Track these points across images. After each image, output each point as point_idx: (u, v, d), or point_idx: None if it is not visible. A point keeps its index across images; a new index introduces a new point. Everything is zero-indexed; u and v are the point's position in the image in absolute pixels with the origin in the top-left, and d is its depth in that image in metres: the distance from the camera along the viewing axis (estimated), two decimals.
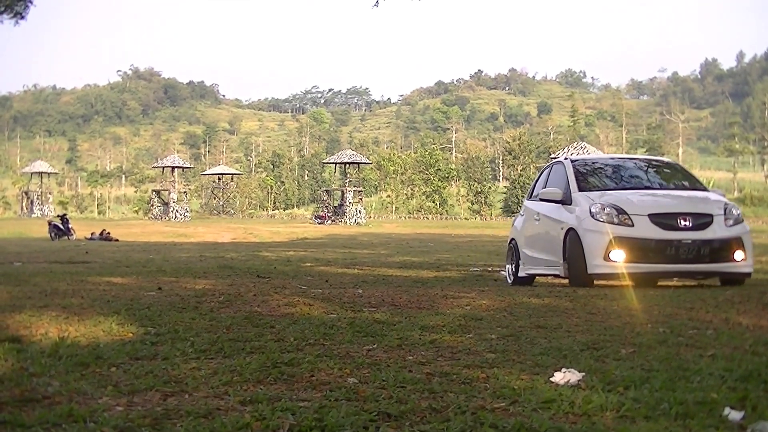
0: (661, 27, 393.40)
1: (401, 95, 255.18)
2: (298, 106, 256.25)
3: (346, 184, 71.31)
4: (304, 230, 48.11)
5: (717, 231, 10.62)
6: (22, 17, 29.67)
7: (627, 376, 4.33)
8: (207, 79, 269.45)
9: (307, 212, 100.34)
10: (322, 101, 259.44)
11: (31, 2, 29.17)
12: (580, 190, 11.72)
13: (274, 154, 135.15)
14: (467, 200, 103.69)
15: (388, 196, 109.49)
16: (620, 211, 10.74)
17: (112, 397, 3.77)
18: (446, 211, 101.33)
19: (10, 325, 6.01)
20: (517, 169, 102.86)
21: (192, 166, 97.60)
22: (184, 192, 76.46)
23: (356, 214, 67.70)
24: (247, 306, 7.45)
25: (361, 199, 71.35)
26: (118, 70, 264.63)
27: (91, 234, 33.25)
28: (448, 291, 9.27)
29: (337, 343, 5.39)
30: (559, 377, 4.26)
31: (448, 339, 5.67)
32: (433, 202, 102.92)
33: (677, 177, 12.46)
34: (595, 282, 10.77)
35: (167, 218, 69.02)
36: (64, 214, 36.75)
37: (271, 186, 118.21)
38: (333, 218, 67.07)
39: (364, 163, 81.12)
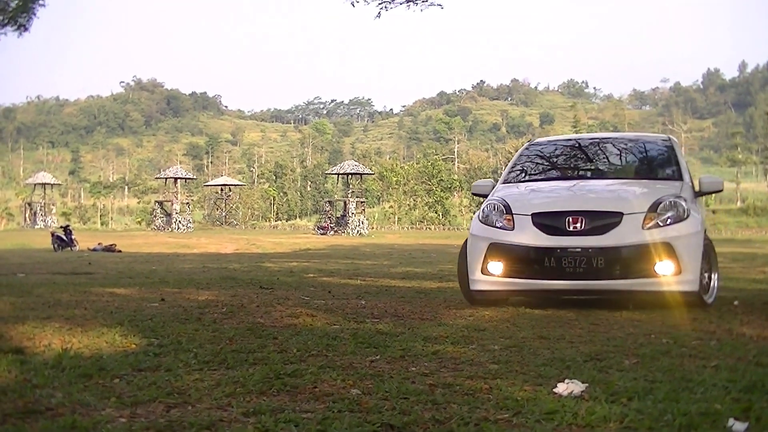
0: (664, 37, 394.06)
1: (404, 106, 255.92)
2: (300, 116, 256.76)
3: (349, 195, 71.41)
4: (307, 241, 48.09)
5: (624, 235, 8.26)
6: (26, 29, 29.71)
7: (630, 387, 4.32)
8: (210, 90, 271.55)
9: (309, 223, 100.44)
10: (325, 112, 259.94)
11: (35, 14, 29.21)
12: (505, 181, 10.05)
13: (276, 165, 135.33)
14: (470, 211, 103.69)
15: (391, 206, 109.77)
16: (505, 210, 8.78)
17: (115, 409, 3.77)
18: (449, 221, 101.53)
19: (14, 336, 6.01)
20: None
21: (195, 177, 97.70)
22: (187, 203, 76.50)
23: (359, 225, 67.75)
24: (250, 317, 7.45)
25: (363, 209, 71.33)
26: (121, 82, 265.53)
27: (98, 244, 33.25)
28: (451, 302, 9.26)
29: (340, 354, 5.38)
30: (562, 388, 4.25)
31: (451, 350, 5.66)
32: (436, 212, 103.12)
33: (648, 163, 10.23)
34: (488, 299, 8.82)
35: (170, 229, 69.10)
36: (67, 225, 36.74)
37: (274, 197, 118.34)
38: (335, 229, 67.11)
39: (367, 173, 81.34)
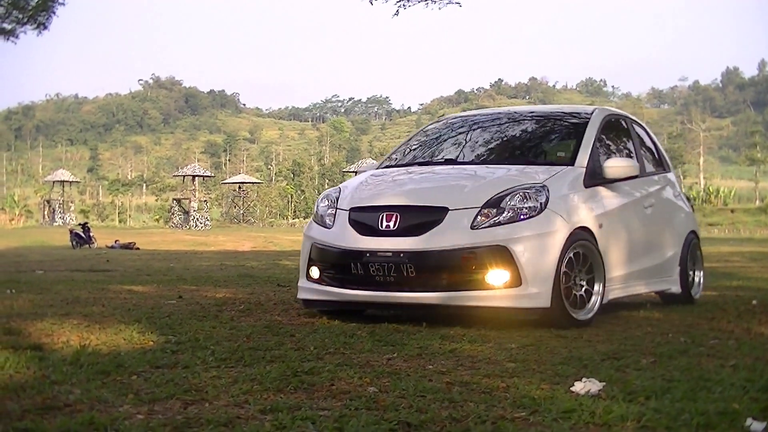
0: (682, 36, 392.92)
1: (421, 104, 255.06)
2: (318, 115, 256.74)
3: None
4: None
5: (444, 236, 6.77)
6: (45, 27, 29.87)
7: (648, 386, 4.31)
8: (228, 88, 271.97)
9: None
10: (343, 110, 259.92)
11: (54, 12, 29.37)
12: (380, 165, 8.74)
13: (294, 162, 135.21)
14: None
15: None
16: (333, 204, 7.61)
17: (133, 406, 3.78)
18: None
19: (32, 333, 6.04)
20: None
21: (212, 174, 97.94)
22: (205, 201, 76.61)
23: None
24: (267, 315, 7.47)
25: None
26: (140, 80, 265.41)
27: (115, 242, 33.34)
28: None
29: (357, 352, 5.39)
30: (579, 387, 4.24)
31: (468, 348, 5.66)
32: None
33: (545, 143, 8.63)
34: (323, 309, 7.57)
35: (188, 227, 69.25)
36: (86, 223, 36.87)
37: (292, 195, 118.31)
38: None
39: None
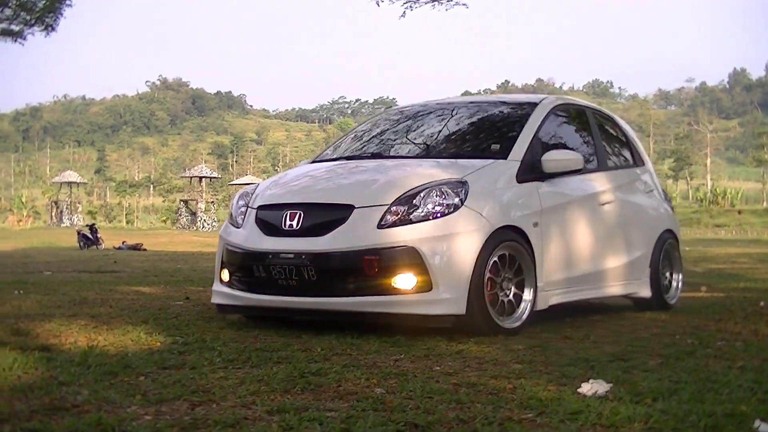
0: (689, 37, 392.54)
1: None
2: (325, 116, 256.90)
3: None
4: None
5: (347, 236, 6.24)
6: (53, 29, 29.95)
7: (655, 387, 4.31)
8: (235, 89, 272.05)
9: None
10: (349, 111, 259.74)
11: (62, 14, 29.45)
12: (311, 161, 8.27)
13: None
14: None
15: None
16: (248, 202, 7.13)
17: (140, 406, 3.79)
18: None
19: (40, 333, 6.05)
20: None
21: (219, 176, 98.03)
22: (212, 202, 76.74)
23: None
24: None
25: None
26: (147, 81, 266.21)
27: (123, 243, 33.37)
28: None
29: (364, 353, 5.39)
30: (586, 388, 4.24)
31: (475, 349, 5.66)
32: None
33: (481, 136, 7.77)
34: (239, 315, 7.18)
35: (195, 228, 69.34)
36: (93, 224, 36.92)
37: None
38: None
39: None
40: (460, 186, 6.46)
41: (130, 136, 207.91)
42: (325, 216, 6.42)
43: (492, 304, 6.39)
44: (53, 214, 77.82)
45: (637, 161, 9.10)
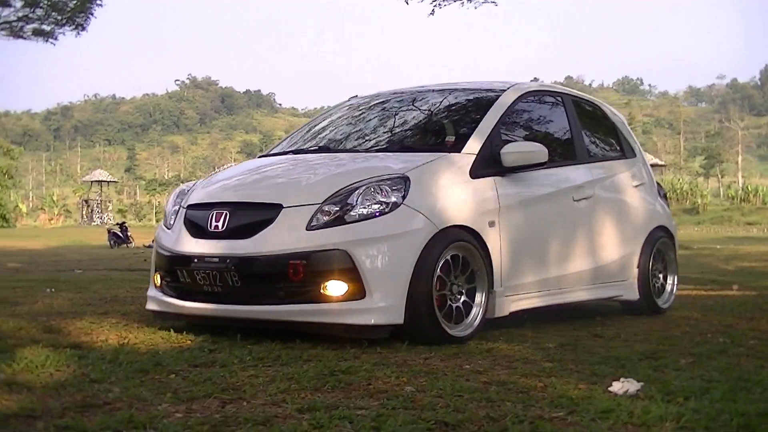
0: (720, 33, 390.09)
1: None
2: None
3: None
4: None
5: (273, 239, 5.71)
6: (83, 28, 30.25)
7: (686, 386, 4.29)
8: (263, 87, 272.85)
9: None
10: None
11: (92, 14, 29.69)
12: (263, 154, 7.76)
13: None
14: None
15: None
16: (182, 200, 6.66)
17: (171, 404, 3.81)
18: None
19: (72, 331, 6.08)
20: None
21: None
22: None
23: None
24: None
25: None
26: (176, 80, 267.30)
27: (152, 241, 33.48)
28: None
29: (393, 351, 5.39)
30: (617, 387, 4.22)
31: (505, 348, 5.65)
32: None
33: (437, 127, 7.19)
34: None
35: None
36: (123, 222, 37.12)
37: None
38: None
39: None
40: (401, 182, 5.90)
41: (160, 135, 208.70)
42: (252, 216, 5.91)
43: (441, 311, 5.84)
44: (84, 212, 78.16)
45: (626, 153, 8.44)
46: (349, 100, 8.37)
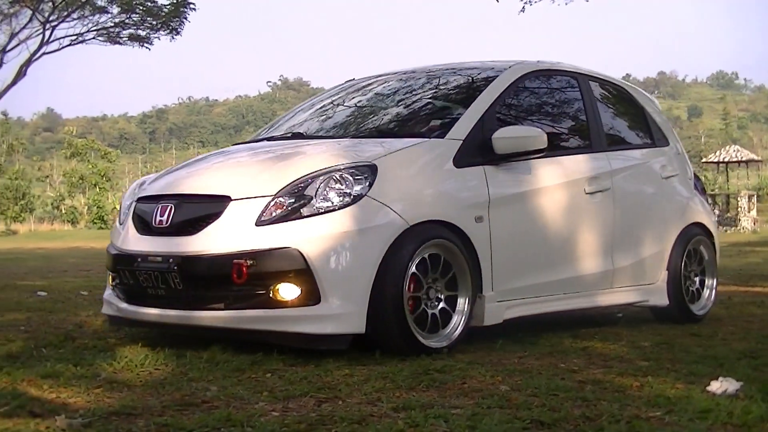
0: None
1: None
2: None
3: None
4: None
5: (218, 236, 5.07)
6: (178, 33, 30.83)
7: None
8: None
9: None
10: None
11: (186, 18, 30.20)
12: (239, 142, 7.14)
13: None
14: None
15: None
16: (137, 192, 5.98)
17: (267, 403, 3.85)
18: None
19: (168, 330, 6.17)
20: None
21: None
22: None
23: None
24: None
25: None
26: (268, 81, 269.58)
27: None
28: None
29: (487, 350, 5.38)
30: (715, 386, 4.16)
31: (600, 346, 5.61)
32: None
33: (426, 111, 6.39)
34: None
35: None
36: None
37: None
38: None
39: None
40: (367, 171, 5.17)
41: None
42: (198, 210, 5.27)
43: (414, 318, 5.15)
44: None
45: (657, 141, 7.46)
46: (345, 82, 7.51)
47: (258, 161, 5.71)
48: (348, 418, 3.54)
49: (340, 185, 5.07)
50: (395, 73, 7.10)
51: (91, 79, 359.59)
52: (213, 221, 5.11)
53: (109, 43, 31.41)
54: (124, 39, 31.05)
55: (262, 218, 5.01)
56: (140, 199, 5.72)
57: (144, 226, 5.50)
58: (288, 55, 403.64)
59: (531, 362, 4.98)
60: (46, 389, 4.10)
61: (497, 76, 6.27)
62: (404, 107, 6.60)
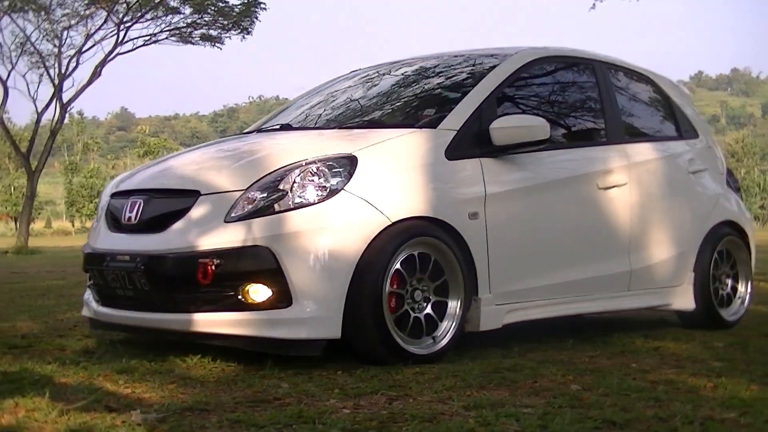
0: None
1: None
2: None
3: None
4: None
5: (185, 234, 4.77)
6: (249, 32, 31.10)
7: None
8: None
9: None
10: None
11: (257, 18, 30.44)
12: (232, 134, 6.45)
13: None
14: None
15: None
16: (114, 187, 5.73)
17: (339, 400, 3.87)
18: None
19: None
20: (740, 173, 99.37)
21: None
22: None
23: None
24: None
25: None
26: None
27: None
28: None
29: (559, 350, 5.36)
30: None
31: (672, 346, 5.55)
32: None
33: (421, 100, 6.02)
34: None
35: None
36: None
37: None
38: None
39: None
40: (346, 163, 4.84)
41: None
42: (166, 206, 5.01)
43: (398, 323, 4.83)
44: None
45: (684, 133, 6.92)
46: (349, 72, 7.11)
47: (232, 154, 5.44)
48: (419, 416, 3.54)
49: (317, 178, 4.76)
50: (398, 62, 6.79)
51: (164, 79, 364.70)
52: (181, 218, 4.84)
53: (181, 43, 31.81)
54: (196, 39, 31.40)
55: (231, 214, 4.70)
56: (114, 195, 5.49)
57: (115, 223, 5.28)
58: (356, 52, 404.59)
59: (602, 362, 4.95)
60: (121, 384, 4.18)
61: (500, 63, 5.88)
62: (398, 97, 6.22)
